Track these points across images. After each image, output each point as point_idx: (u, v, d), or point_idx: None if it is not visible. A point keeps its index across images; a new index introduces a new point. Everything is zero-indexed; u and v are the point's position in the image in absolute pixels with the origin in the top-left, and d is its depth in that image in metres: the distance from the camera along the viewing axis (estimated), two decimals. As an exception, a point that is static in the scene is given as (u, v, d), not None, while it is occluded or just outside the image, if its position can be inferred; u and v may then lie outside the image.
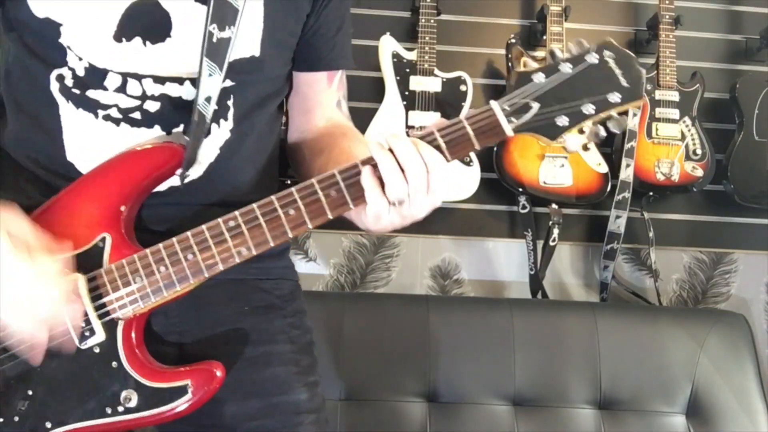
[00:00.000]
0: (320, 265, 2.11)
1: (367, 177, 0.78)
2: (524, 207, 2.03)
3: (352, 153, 0.92)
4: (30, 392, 0.80)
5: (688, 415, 1.69)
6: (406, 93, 1.94)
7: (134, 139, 0.85)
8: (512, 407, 1.68)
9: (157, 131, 0.86)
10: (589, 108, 0.81)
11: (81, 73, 0.84)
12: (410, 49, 1.97)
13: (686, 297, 2.16)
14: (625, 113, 0.83)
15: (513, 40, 1.94)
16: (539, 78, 0.81)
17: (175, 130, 0.86)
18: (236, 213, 0.80)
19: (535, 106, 0.80)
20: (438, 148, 0.79)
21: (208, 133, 0.87)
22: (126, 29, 0.83)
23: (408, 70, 1.95)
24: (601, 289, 2.07)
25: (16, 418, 0.79)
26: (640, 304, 2.07)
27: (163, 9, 0.84)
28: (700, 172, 1.96)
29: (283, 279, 1.01)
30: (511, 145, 1.95)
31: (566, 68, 0.81)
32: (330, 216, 0.80)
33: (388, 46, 1.96)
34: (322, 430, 0.97)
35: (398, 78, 1.95)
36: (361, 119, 1.90)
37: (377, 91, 1.99)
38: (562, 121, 0.81)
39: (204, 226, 0.80)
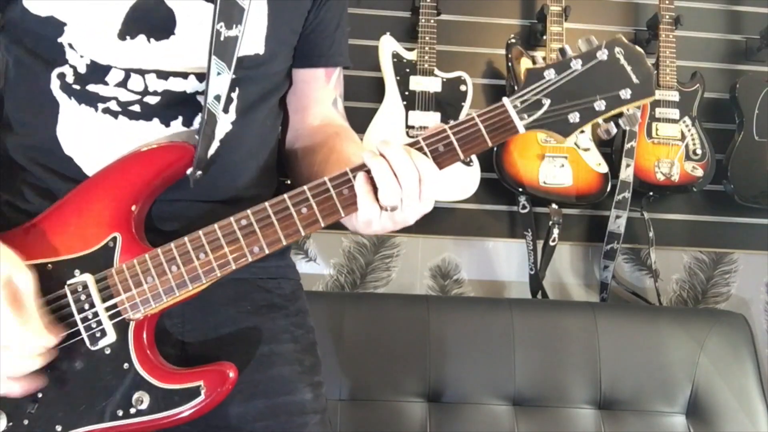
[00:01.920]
0: (320, 265, 2.11)
1: (360, 183, 0.78)
2: (524, 207, 2.03)
3: (344, 153, 0.92)
4: (40, 395, 0.79)
5: (688, 415, 1.69)
6: (406, 93, 1.94)
7: (132, 132, 0.85)
8: (512, 407, 1.68)
9: (155, 124, 0.85)
10: (600, 104, 0.81)
11: (83, 70, 0.84)
12: (410, 49, 1.97)
13: (686, 297, 2.16)
14: (638, 109, 0.83)
15: (513, 40, 1.94)
16: (550, 74, 0.81)
17: (173, 123, 0.86)
18: (248, 212, 0.80)
19: (547, 103, 0.81)
20: (450, 145, 0.79)
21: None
22: (130, 27, 0.83)
23: (408, 70, 1.95)
24: (601, 289, 2.07)
25: (26, 422, 0.78)
26: (640, 304, 2.07)
27: (167, 7, 0.85)
28: (700, 172, 1.96)
29: (285, 278, 1.01)
30: (511, 145, 1.95)
31: (577, 65, 0.81)
32: (343, 214, 0.80)
33: (388, 46, 1.96)
34: (327, 431, 0.96)
35: (398, 78, 1.95)
36: (361, 119, 1.90)
37: (377, 91, 1.99)
38: (574, 117, 0.81)
39: (216, 225, 0.80)
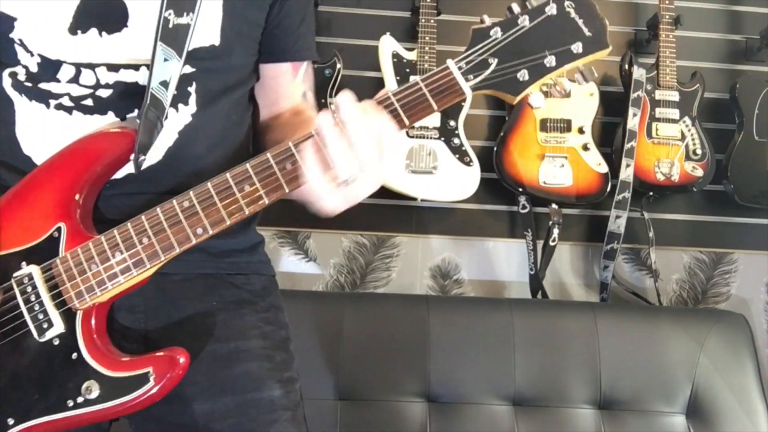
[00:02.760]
0: (320, 265, 2.11)
1: (309, 154, 0.74)
2: (524, 207, 2.03)
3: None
4: None
5: (688, 415, 1.69)
6: (406, 93, 1.93)
7: (88, 127, 0.84)
8: (512, 407, 1.67)
9: (111, 117, 0.85)
10: (551, 60, 0.78)
11: (34, 69, 0.84)
12: (410, 49, 1.97)
13: (686, 297, 2.16)
14: (592, 64, 0.80)
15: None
16: (496, 33, 0.78)
17: (129, 116, 0.85)
18: (190, 192, 0.78)
19: (494, 62, 0.78)
20: (395, 112, 0.76)
21: (166, 117, 0.86)
22: (81, 21, 0.83)
23: (408, 70, 1.95)
24: (601, 289, 2.07)
25: None
26: (640, 304, 2.07)
27: (120, 0, 0.84)
28: (700, 172, 1.96)
29: (256, 274, 0.99)
30: (511, 144, 1.95)
31: (524, 21, 0.78)
32: (287, 190, 0.77)
33: (388, 46, 1.96)
34: (300, 429, 0.94)
35: (398, 78, 1.95)
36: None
37: (377, 91, 1.97)
38: (523, 75, 0.78)
39: (158, 208, 0.79)
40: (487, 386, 1.68)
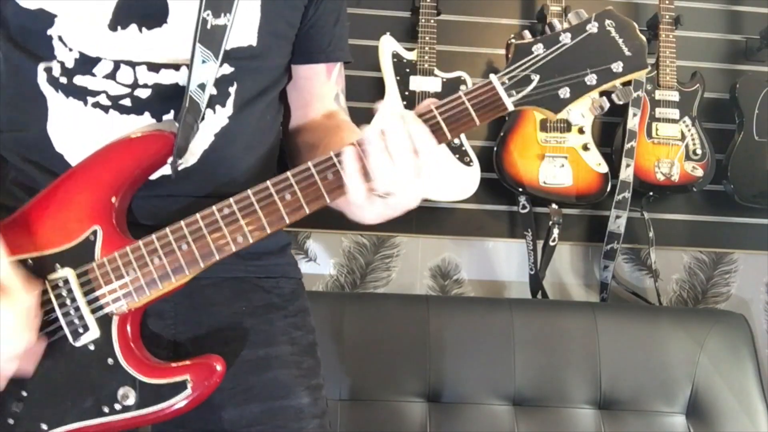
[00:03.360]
0: (320, 265, 2.11)
1: (350, 161, 0.74)
2: (524, 207, 2.03)
3: (343, 143, 0.90)
4: (24, 393, 0.77)
5: (688, 415, 1.69)
6: (406, 93, 1.93)
7: (123, 127, 0.83)
8: (512, 407, 1.68)
9: (147, 118, 0.84)
10: (591, 79, 0.78)
11: (70, 64, 0.83)
12: (410, 49, 1.97)
13: (686, 297, 2.16)
14: (629, 83, 0.81)
15: (513, 40, 1.94)
16: (538, 49, 0.79)
17: (166, 117, 0.84)
18: (230, 200, 0.78)
19: (536, 79, 0.78)
20: (437, 125, 0.76)
21: (203, 119, 0.85)
22: (121, 17, 0.82)
23: (408, 70, 1.95)
24: (601, 289, 2.07)
25: (11, 421, 0.77)
26: (640, 304, 2.07)
27: None
28: (700, 172, 1.96)
29: (284, 277, 0.99)
30: (511, 145, 1.95)
31: (566, 39, 0.79)
32: (327, 200, 0.77)
33: (388, 46, 1.96)
34: None
35: (398, 78, 1.95)
36: (361, 119, 1.90)
37: (377, 91, 1.99)
38: (564, 92, 0.78)
39: (198, 215, 0.78)
40: (487, 386, 1.68)
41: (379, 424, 1.61)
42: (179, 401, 0.78)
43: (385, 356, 1.68)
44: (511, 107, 0.78)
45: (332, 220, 2.16)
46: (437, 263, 2.13)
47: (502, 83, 0.78)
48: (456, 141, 1.93)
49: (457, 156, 1.92)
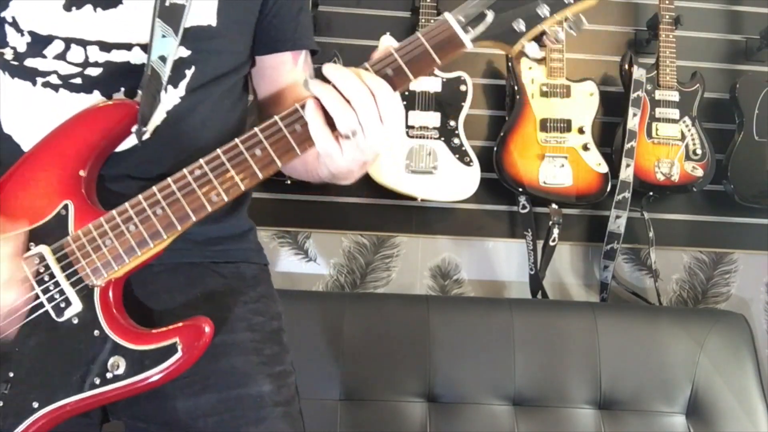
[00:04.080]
0: (320, 265, 2.11)
1: (310, 112, 0.75)
2: (524, 207, 2.03)
3: None
4: (11, 374, 0.77)
5: (688, 415, 1.69)
6: (406, 93, 1.94)
7: (73, 105, 0.82)
8: (512, 407, 1.68)
9: (96, 96, 0.84)
10: (544, 9, 0.80)
11: (22, 48, 0.83)
12: (410, 49, 1.96)
13: (686, 297, 2.16)
14: (581, 13, 0.83)
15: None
16: None
17: (116, 95, 0.84)
18: (201, 161, 0.78)
19: (491, 14, 0.80)
20: (399, 68, 0.78)
21: (166, 91, 0.86)
22: None
23: (408, 70, 1.94)
24: (601, 289, 2.07)
25: (0, 403, 0.76)
26: (640, 304, 2.07)
27: None
28: (700, 172, 1.97)
29: (245, 262, 0.97)
30: (511, 144, 1.95)
31: None
32: (298, 151, 0.78)
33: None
34: (295, 426, 0.91)
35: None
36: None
37: (377, 91, 1.99)
38: (519, 25, 0.80)
39: (169, 179, 0.78)
40: (487, 386, 1.68)
41: (379, 424, 1.61)
42: (171, 365, 0.77)
43: (385, 356, 1.68)
44: (469, 44, 0.79)
45: (332, 220, 2.15)
46: (437, 263, 2.13)
47: (458, 20, 0.79)
48: (456, 141, 1.93)
49: (457, 156, 1.92)
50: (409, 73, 0.79)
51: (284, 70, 1.01)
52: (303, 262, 2.10)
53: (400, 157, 1.90)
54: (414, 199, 1.94)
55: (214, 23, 0.89)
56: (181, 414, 0.86)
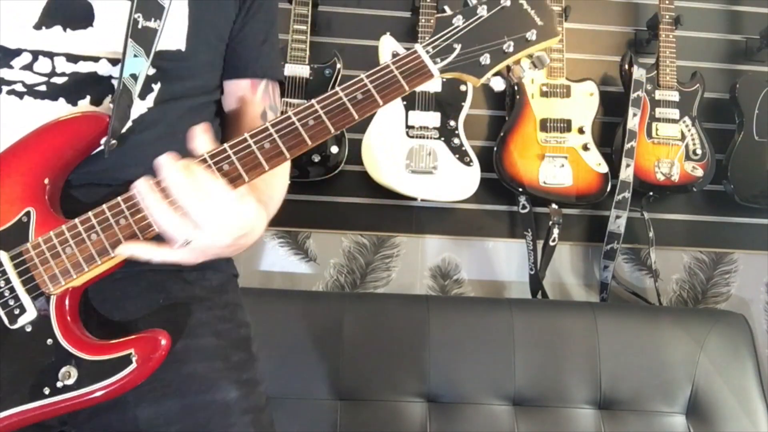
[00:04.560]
0: (320, 265, 2.11)
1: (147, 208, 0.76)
2: (524, 207, 2.03)
3: None
4: None
5: (688, 415, 1.69)
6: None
7: (37, 112, 0.83)
8: (512, 407, 1.68)
9: (61, 103, 0.84)
10: (509, 46, 0.86)
11: None
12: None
13: (686, 297, 2.16)
14: (544, 51, 0.90)
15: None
16: (458, 21, 0.86)
17: (81, 102, 0.85)
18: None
19: (458, 47, 0.85)
20: (368, 92, 0.82)
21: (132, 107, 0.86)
22: (47, 19, 0.84)
23: (408, 70, 1.94)
24: (601, 289, 2.07)
25: None
26: (640, 304, 2.07)
27: (86, 2, 0.85)
28: (700, 172, 1.97)
29: (212, 269, 0.95)
30: (511, 144, 1.95)
31: (482, 11, 0.86)
32: (266, 167, 0.79)
33: (388, 46, 1.96)
34: None
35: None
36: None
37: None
38: (485, 59, 0.86)
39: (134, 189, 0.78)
40: (487, 386, 1.68)
41: (379, 424, 1.61)
42: (125, 376, 0.76)
43: (385, 356, 1.68)
44: (436, 73, 0.85)
45: (332, 220, 2.15)
46: (437, 263, 2.13)
47: (427, 51, 0.85)
48: (456, 141, 1.93)
49: (457, 156, 1.92)
50: (378, 98, 0.83)
51: (242, 97, 1.02)
52: (303, 262, 2.10)
53: (400, 157, 1.90)
54: (414, 199, 1.94)
55: (183, 47, 0.90)
56: (143, 423, 0.84)
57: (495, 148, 1.96)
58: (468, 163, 1.92)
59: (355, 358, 1.66)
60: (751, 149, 2.00)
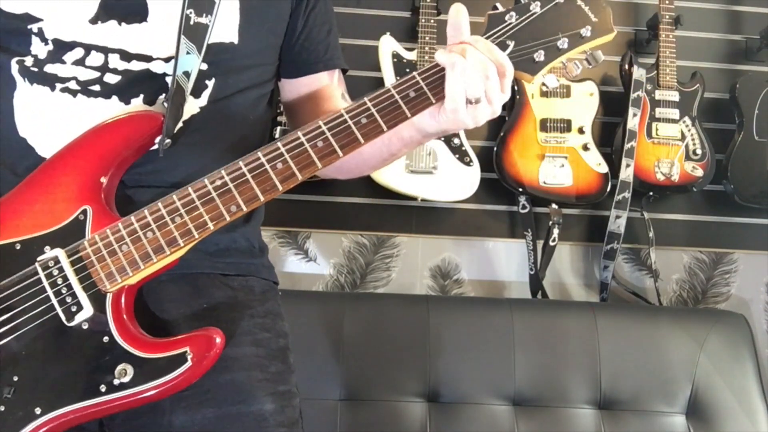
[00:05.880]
0: (320, 265, 2.11)
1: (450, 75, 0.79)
2: (524, 207, 2.03)
3: None
4: (16, 378, 0.76)
5: (688, 415, 1.69)
6: (406, 93, 1.93)
7: (90, 110, 0.83)
8: (512, 407, 1.68)
9: (114, 102, 0.84)
10: (563, 42, 0.85)
11: (43, 56, 0.84)
12: (410, 49, 1.97)
13: (686, 297, 2.16)
14: (599, 48, 0.89)
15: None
16: (511, 18, 0.85)
17: (134, 101, 0.85)
18: (222, 171, 0.78)
19: (511, 44, 0.84)
20: (421, 90, 0.81)
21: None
22: (103, 15, 0.85)
23: (408, 70, 1.94)
24: (601, 289, 2.07)
25: (2, 408, 0.75)
26: (640, 304, 2.07)
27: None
28: (700, 172, 1.96)
29: (255, 277, 0.95)
30: (511, 144, 1.95)
31: (536, 7, 0.85)
32: (320, 165, 0.79)
33: (388, 46, 1.96)
34: None
35: (398, 78, 1.94)
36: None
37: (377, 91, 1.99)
38: (539, 56, 0.85)
39: (189, 187, 0.78)
40: (487, 386, 1.68)
41: (379, 424, 1.61)
42: (180, 374, 0.76)
43: (385, 356, 1.68)
44: None
45: (332, 220, 2.15)
46: (437, 263, 2.13)
47: None
48: (456, 141, 1.93)
49: (457, 156, 1.92)
50: (431, 96, 0.81)
51: (321, 86, 1.03)
52: (303, 262, 2.10)
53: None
54: (414, 199, 1.94)
55: (236, 41, 0.91)
56: (176, 429, 0.83)
57: (495, 148, 1.96)
58: (468, 163, 1.92)
59: (355, 358, 1.66)
60: (751, 149, 2.00)
